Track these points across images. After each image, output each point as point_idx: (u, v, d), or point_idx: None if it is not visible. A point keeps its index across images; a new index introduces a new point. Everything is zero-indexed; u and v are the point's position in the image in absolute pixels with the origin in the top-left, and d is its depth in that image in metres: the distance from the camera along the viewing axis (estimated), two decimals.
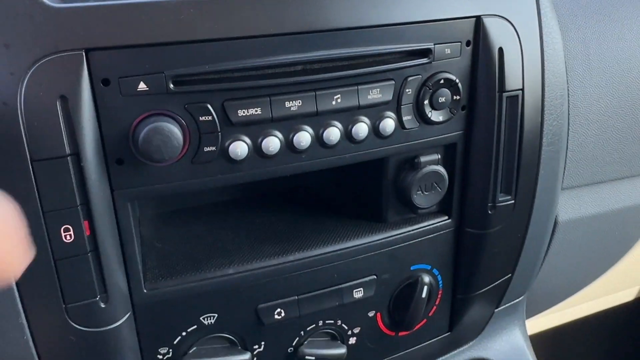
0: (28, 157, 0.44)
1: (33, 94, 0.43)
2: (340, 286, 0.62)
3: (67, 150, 0.44)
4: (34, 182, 0.44)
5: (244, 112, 0.49)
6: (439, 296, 0.70)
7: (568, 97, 0.66)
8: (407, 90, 0.56)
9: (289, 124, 0.52)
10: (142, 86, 0.46)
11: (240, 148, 0.50)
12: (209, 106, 0.48)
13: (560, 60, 0.63)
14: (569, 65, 0.66)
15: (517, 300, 0.79)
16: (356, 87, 0.53)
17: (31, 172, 0.44)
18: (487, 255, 0.68)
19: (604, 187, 0.76)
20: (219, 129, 0.49)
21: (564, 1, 0.69)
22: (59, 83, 0.43)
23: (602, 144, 0.72)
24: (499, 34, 0.58)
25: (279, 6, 0.48)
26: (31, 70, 0.42)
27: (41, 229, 0.45)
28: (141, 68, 0.45)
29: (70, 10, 0.43)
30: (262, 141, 0.51)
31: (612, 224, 0.80)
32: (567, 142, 0.69)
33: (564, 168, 0.70)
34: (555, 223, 0.74)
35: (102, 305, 0.50)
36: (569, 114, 0.67)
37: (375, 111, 0.55)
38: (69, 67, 0.43)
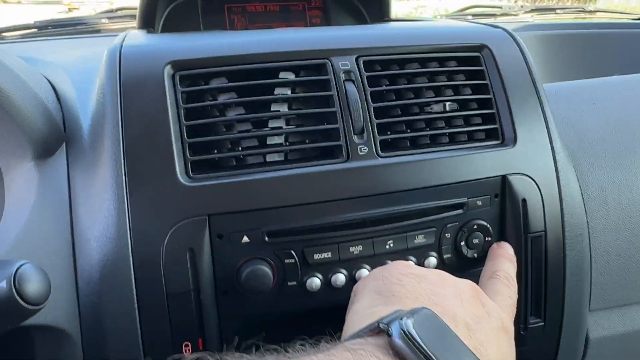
0: (164, 291, 0.61)
1: (171, 247, 0.60)
2: None
3: (191, 287, 0.61)
4: (167, 311, 0.61)
5: (318, 256, 0.65)
6: None
7: (589, 233, 0.78)
8: (446, 234, 0.70)
9: (352, 264, 0.67)
10: (245, 239, 0.62)
11: (314, 283, 0.65)
12: (293, 252, 0.64)
13: (578, 205, 0.76)
14: (588, 207, 0.79)
15: None
16: (405, 235, 0.68)
17: (166, 304, 0.61)
18: None
19: (632, 309, 0.85)
20: (299, 269, 0.65)
21: (583, 152, 0.82)
22: (189, 239, 0.61)
23: (624, 272, 0.82)
24: (522, 188, 0.72)
25: (344, 179, 0.65)
26: (171, 231, 0.60)
27: (169, 343, 0.62)
28: (245, 226, 0.62)
29: (197, 187, 0.62)
30: (331, 277, 0.66)
31: None
32: (591, 271, 0.80)
33: (590, 293, 0.80)
34: (587, 340, 0.84)
35: None
36: (590, 247, 0.79)
37: (420, 251, 0.69)
38: (196, 228, 0.61)
